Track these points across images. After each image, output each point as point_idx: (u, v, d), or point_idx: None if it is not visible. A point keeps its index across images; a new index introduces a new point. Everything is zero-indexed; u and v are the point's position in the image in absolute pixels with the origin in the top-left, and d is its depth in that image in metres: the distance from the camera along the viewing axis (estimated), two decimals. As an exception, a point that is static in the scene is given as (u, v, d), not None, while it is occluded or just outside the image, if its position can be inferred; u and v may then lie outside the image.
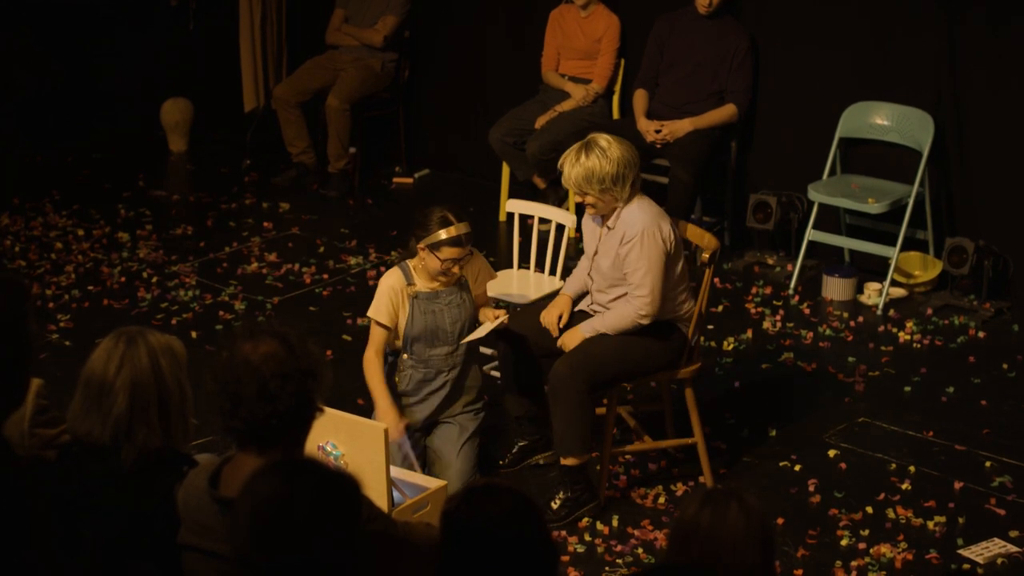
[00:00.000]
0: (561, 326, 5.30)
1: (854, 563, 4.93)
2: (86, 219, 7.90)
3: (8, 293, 2.98)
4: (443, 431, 5.32)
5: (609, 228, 5.14)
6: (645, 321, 5.11)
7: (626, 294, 5.14)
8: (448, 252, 5.06)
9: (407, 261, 5.22)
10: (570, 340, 5.21)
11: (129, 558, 3.31)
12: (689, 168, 7.13)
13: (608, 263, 5.15)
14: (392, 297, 5.16)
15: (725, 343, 6.52)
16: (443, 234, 5.04)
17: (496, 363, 5.60)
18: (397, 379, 5.26)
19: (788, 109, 7.45)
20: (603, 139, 5.08)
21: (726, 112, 7.36)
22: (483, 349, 5.90)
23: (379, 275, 7.04)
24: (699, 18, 7.39)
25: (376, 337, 5.20)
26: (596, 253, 5.23)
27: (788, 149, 7.49)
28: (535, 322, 5.38)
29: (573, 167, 5.04)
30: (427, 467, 5.29)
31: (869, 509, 5.26)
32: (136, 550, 3.31)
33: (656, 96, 7.48)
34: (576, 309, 5.38)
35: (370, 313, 5.21)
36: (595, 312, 5.30)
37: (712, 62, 7.35)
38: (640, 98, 7.47)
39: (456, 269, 5.12)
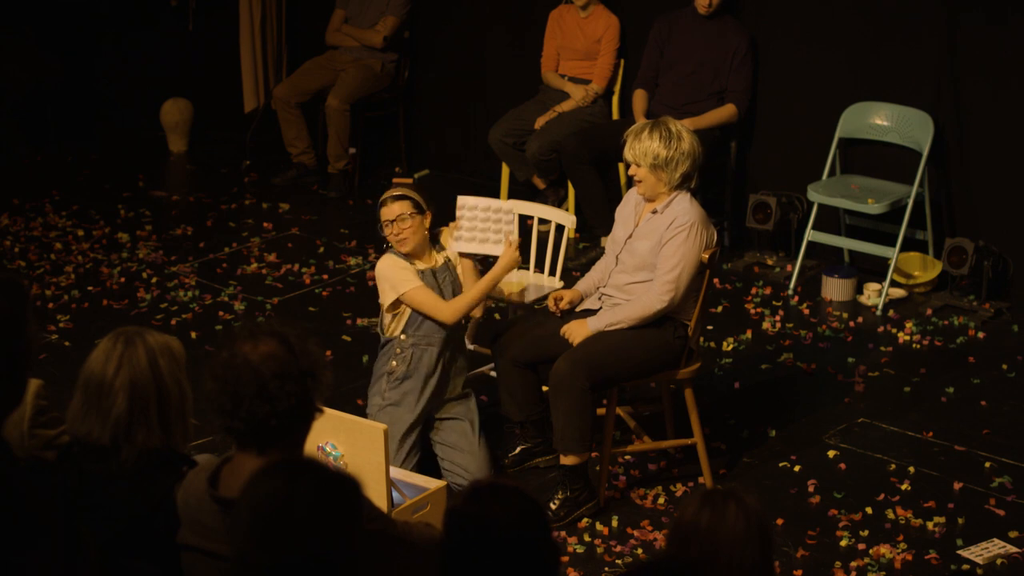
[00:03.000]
0: (562, 307, 5.32)
1: (854, 563, 4.93)
2: (86, 219, 7.90)
3: (7, 293, 2.98)
4: (453, 426, 5.36)
5: (655, 212, 5.20)
6: (663, 307, 5.13)
7: (649, 281, 5.17)
8: (388, 213, 5.23)
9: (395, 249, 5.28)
10: (576, 331, 5.22)
11: (129, 558, 3.31)
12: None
13: (647, 246, 5.19)
14: (406, 266, 5.22)
15: (725, 343, 6.53)
16: (380, 210, 5.25)
17: (492, 364, 5.60)
18: (394, 363, 5.27)
19: (788, 109, 7.45)
20: (674, 125, 5.24)
21: (726, 112, 7.36)
22: (481, 349, 5.90)
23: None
24: (699, 18, 7.39)
25: (429, 297, 5.20)
26: (631, 237, 5.26)
27: (788, 149, 7.50)
28: (532, 326, 5.39)
29: (636, 138, 5.19)
30: (440, 463, 5.35)
31: (869, 509, 5.26)
32: (136, 550, 3.31)
33: (656, 96, 7.49)
34: (580, 308, 5.39)
35: (400, 291, 5.19)
36: (605, 297, 5.31)
37: (712, 62, 7.35)
38: (640, 98, 7.47)
39: (395, 230, 5.21)
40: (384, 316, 5.32)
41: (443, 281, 5.30)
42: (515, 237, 5.33)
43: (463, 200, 5.43)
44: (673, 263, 5.13)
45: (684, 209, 5.17)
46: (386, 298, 5.23)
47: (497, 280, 5.30)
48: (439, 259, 5.33)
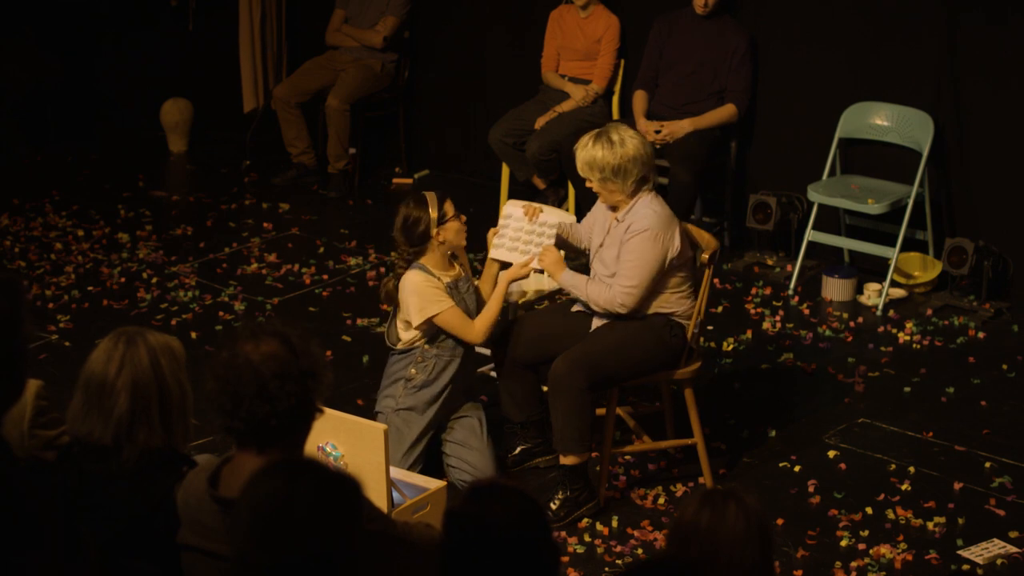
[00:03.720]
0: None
1: (854, 564, 4.93)
2: (86, 219, 7.90)
3: (3, 293, 2.97)
4: (462, 423, 5.38)
5: (618, 220, 5.17)
6: (622, 311, 5.13)
7: None
8: (449, 209, 5.23)
9: (420, 262, 5.25)
10: (550, 261, 5.23)
11: (129, 558, 3.31)
12: (690, 168, 7.13)
13: (613, 254, 5.16)
14: (437, 284, 5.22)
15: (725, 343, 6.52)
16: (432, 209, 5.20)
17: (492, 364, 5.61)
18: (414, 371, 5.28)
19: (788, 109, 7.45)
20: (617, 132, 5.15)
21: (726, 112, 7.36)
22: (481, 350, 5.91)
23: (379, 276, 7.07)
24: (698, 18, 7.39)
25: (461, 319, 5.22)
26: (602, 245, 5.24)
27: (788, 149, 7.50)
28: (532, 327, 5.38)
29: (582, 151, 5.15)
30: (446, 460, 5.37)
31: (869, 510, 5.26)
32: (136, 550, 3.31)
33: (656, 97, 7.49)
34: (575, 309, 5.38)
35: (433, 311, 5.19)
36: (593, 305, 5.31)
37: (712, 62, 7.35)
38: (639, 99, 7.48)
39: (462, 220, 5.28)
40: (398, 327, 5.31)
41: (466, 291, 5.32)
42: (548, 251, 5.29)
43: (509, 209, 5.44)
44: (629, 268, 5.08)
45: (642, 215, 5.10)
46: (417, 317, 5.22)
47: (504, 291, 5.31)
48: (460, 271, 5.34)
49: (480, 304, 5.37)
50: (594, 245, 5.30)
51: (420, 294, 5.19)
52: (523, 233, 5.41)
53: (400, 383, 5.32)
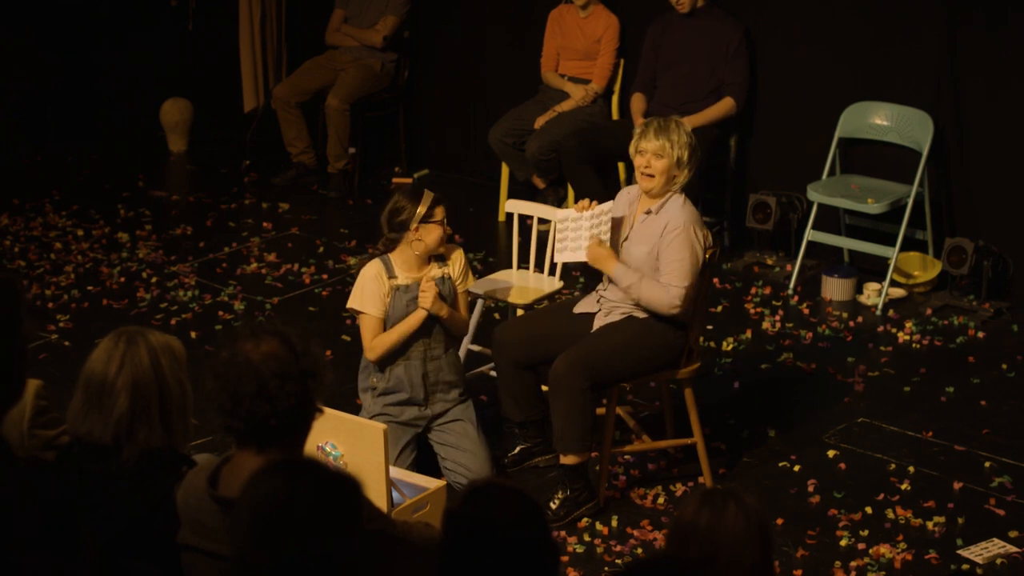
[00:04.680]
0: (590, 208, 5.33)
1: (853, 563, 4.93)
2: (86, 219, 7.90)
3: (2, 292, 2.97)
4: (452, 427, 5.35)
5: (650, 212, 5.17)
6: (674, 312, 5.11)
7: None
8: (438, 213, 5.20)
9: (387, 255, 5.25)
10: (601, 256, 5.19)
11: (129, 558, 3.31)
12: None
13: (644, 250, 5.16)
14: (378, 288, 5.21)
15: (724, 343, 6.52)
16: (424, 204, 5.18)
17: (492, 364, 5.60)
18: (374, 379, 5.27)
19: (788, 109, 7.45)
20: (677, 121, 5.22)
21: (724, 107, 7.35)
22: (478, 348, 5.90)
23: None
24: (692, 17, 7.38)
25: (371, 330, 5.23)
26: (626, 240, 5.23)
27: (788, 149, 7.50)
28: (532, 327, 5.38)
29: (664, 131, 5.15)
30: (442, 463, 5.35)
31: (869, 509, 5.26)
32: (136, 550, 3.31)
33: (655, 97, 7.48)
34: (578, 310, 5.37)
35: (358, 306, 5.23)
36: (603, 300, 5.29)
37: (708, 58, 7.35)
38: (638, 101, 7.47)
39: (447, 229, 5.25)
40: None
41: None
42: (597, 244, 5.22)
43: (560, 215, 5.42)
44: (680, 268, 5.08)
45: (677, 212, 5.13)
46: (350, 300, 5.28)
47: (415, 323, 5.22)
48: (437, 272, 5.29)
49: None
50: (616, 240, 5.28)
51: (361, 286, 5.24)
52: (583, 230, 5.37)
53: (368, 393, 5.33)
